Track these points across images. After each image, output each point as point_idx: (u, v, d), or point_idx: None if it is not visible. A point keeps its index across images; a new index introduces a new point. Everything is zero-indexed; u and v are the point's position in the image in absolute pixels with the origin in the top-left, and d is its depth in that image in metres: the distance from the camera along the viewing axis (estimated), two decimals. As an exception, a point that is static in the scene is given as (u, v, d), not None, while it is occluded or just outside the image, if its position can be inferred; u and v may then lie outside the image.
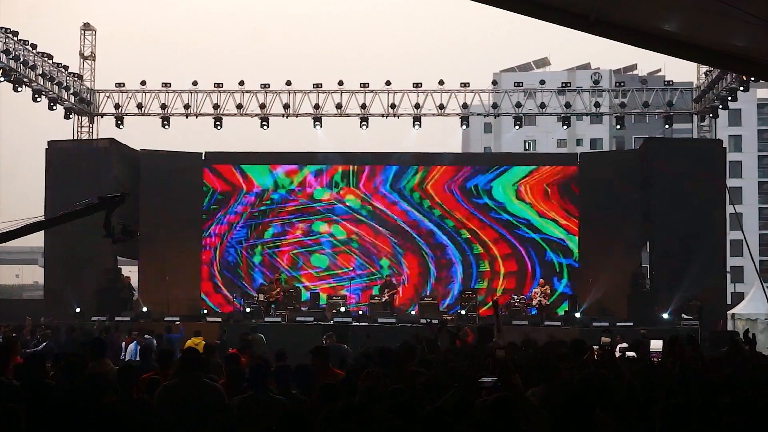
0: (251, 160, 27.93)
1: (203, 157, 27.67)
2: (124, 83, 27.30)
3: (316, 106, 26.54)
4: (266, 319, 23.06)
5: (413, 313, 23.70)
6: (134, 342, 17.22)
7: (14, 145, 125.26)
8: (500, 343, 9.22)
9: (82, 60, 27.84)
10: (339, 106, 26.41)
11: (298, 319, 23.00)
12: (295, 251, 27.43)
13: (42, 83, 24.59)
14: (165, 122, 26.91)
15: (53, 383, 7.28)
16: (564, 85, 27.40)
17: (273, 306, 23.93)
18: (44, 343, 16.45)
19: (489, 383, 6.14)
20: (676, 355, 8.47)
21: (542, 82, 27.09)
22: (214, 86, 26.85)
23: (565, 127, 27.65)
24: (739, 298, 31.95)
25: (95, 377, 6.69)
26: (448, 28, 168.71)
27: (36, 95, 24.65)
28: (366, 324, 21.28)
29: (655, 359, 10.27)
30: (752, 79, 22.04)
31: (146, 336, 18.32)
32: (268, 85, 26.64)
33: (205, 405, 6.79)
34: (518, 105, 26.55)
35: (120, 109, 27.27)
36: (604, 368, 8.02)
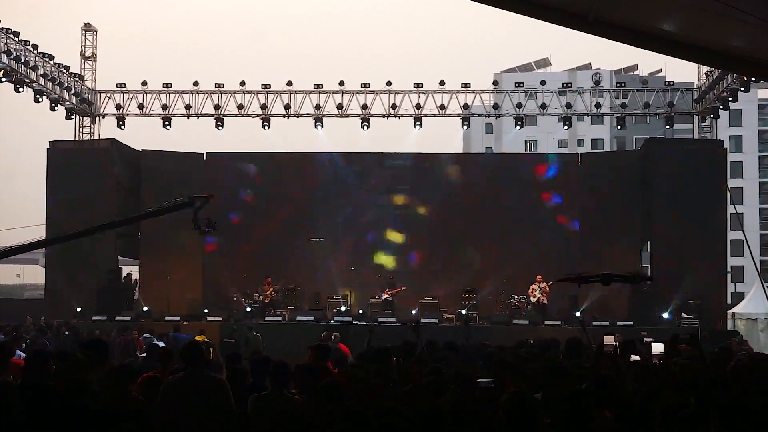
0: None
1: (204, 158, 27.70)
2: (125, 84, 27.35)
3: (317, 107, 26.57)
4: (266, 318, 23.12)
5: (413, 312, 23.68)
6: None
7: (15, 145, 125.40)
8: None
9: (83, 60, 27.88)
10: (340, 106, 26.43)
11: (298, 318, 23.04)
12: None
13: (43, 84, 24.62)
14: (166, 123, 26.94)
15: (54, 383, 7.28)
16: (565, 85, 27.41)
17: (271, 306, 23.97)
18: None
19: (486, 384, 6.14)
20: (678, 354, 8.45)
21: (543, 82, 27.09)
22: (215, 87, 26.88)
23: (566, 127, 27.67)
24: (739, 297, 31.92)
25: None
26: (448, 28, 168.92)
27: (37, 96, 24.68)
28: (366, 323, 21.29)
29: (656, 362, 10.22)
30: (753, 79, 22.04)
31: (146, 335, 18.36)
32: (269, 85, 26.67)
33: (211, 399, 6.77)
34: (519, 105, 26.56)
35: (121, 110, 27.31)
36: (608, 368, 7.99)
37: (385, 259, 27.49)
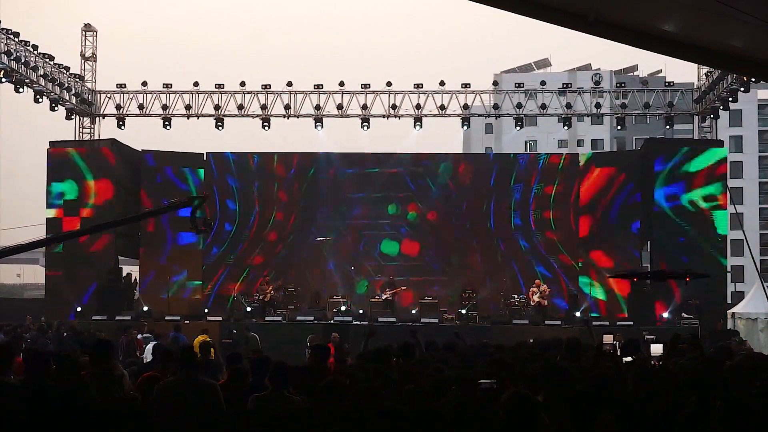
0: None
1: (204, 158, 27.70)
2: (125, 84, 27.35)
3: (317, 107, 26.57)
4: (267, 318, 23.12)
5: (413, 312, 23.69)
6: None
7: (15, 145, 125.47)
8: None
9: (83, 61, 27.87)
10: (340, 106, 26.44)
11: (298, 318, 23.03)
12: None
13: (43, 84, 24.60)
14: (166, 123, 26.94)
15: (54, 383, 7.27)
16: (565, 85, 27.40)
17: (271, 306, 23.97)
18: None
19: (488, 385, 6.14)
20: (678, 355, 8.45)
21: (543, 82, 27.08)
22: (215, 87, 26.88)
23: (565, 127, 27.66)
24: (739, 297, 31.94)
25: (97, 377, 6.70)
26: (448, 29, 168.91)
27: (37, 96, 24.67)
28: (366, 323, 21.31)
29: (655, 363, 10.20)
30: (753, 79, 22.03)
31: (146, 335, 18.35)
32: (269, 85, 26.68)
33: (201, 403, 6.79)
34: (519, 106, 26.56)
35: (121, 110, 27.31)
36: (609, 368, 7.99)
37: (385, 258, 27.43)
